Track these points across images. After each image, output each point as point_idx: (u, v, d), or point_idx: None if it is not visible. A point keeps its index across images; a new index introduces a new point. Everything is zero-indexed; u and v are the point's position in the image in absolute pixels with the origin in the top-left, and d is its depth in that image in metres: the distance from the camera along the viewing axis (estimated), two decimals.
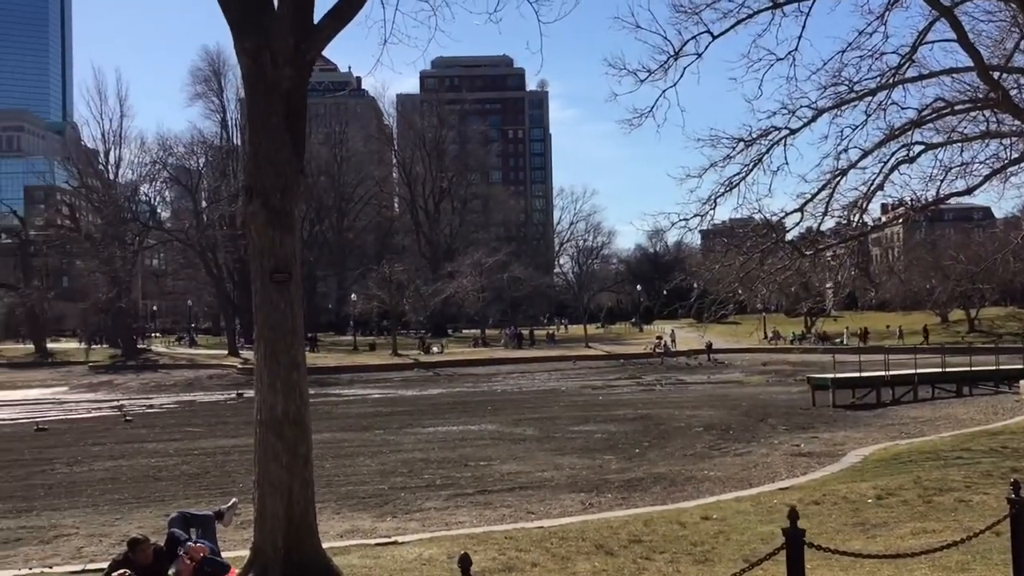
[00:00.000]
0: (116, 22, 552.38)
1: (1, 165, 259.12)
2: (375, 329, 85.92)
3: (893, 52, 15.53)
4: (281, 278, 7.84)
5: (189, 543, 7.81)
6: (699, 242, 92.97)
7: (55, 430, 29.65)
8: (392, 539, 10.70)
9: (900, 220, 29.08)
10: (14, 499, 16.97)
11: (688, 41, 12.87)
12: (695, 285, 22.72)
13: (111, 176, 78.41)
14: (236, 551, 9.54)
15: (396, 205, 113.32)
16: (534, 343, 73.30)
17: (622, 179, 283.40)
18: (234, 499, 9.70)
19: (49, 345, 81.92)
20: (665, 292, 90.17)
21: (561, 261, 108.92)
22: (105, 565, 8.25)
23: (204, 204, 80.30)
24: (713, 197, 14.38)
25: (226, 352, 68.89)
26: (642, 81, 12.83)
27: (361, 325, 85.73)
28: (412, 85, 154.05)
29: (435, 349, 66.67)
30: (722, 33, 12.97)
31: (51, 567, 10.65)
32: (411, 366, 57.98)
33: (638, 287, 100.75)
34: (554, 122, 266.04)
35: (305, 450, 7.85)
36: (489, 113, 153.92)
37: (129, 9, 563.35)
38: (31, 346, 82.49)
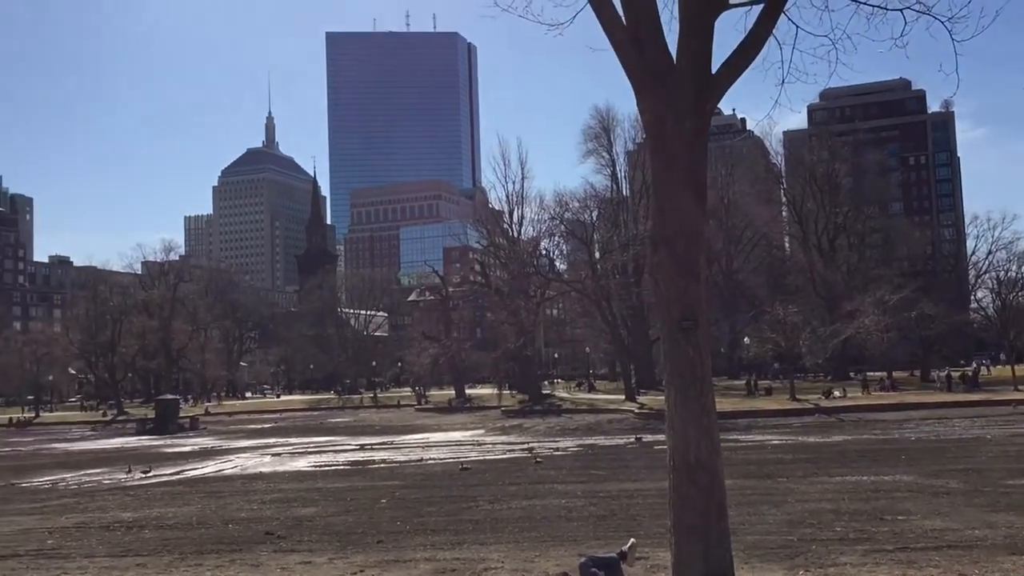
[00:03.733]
0: (516, 94, 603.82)
1: (424, 230, 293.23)
2: (770, 373, 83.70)
3: None
4: (688, 325, 7.95)
5: None
6: None
7: (476, 469, 32.14)
8: None
9: None
10: (447, 532, 18.65)
11: None
12: None
13: (515, 234, 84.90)
14: None
15: (787, 244, 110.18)
16: (978, 384, 66.66)
17: None
18: (632, 540, 9.89)
19: (467, 391, 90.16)
20: None
21: (979, 295, 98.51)
22: None
23: (598, 255, 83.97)
24: None
25: (623, 397, 70.88)
26: None
27: (755, 369, 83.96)
28: (799, 120, 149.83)
29: (836, 393, 63.28)
30: None
31: None
32: (811, 411, 55.48)
33: None
34: (962, 144, 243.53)
35: (719, 497, 7.82)
36: (886, 141, 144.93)
37: (527, 81, 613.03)
38: (453, 392, 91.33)
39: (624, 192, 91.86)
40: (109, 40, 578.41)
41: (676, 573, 7.74)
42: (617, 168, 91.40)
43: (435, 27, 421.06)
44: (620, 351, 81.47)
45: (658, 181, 8.32)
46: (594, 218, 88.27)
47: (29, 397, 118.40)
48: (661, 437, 39.88)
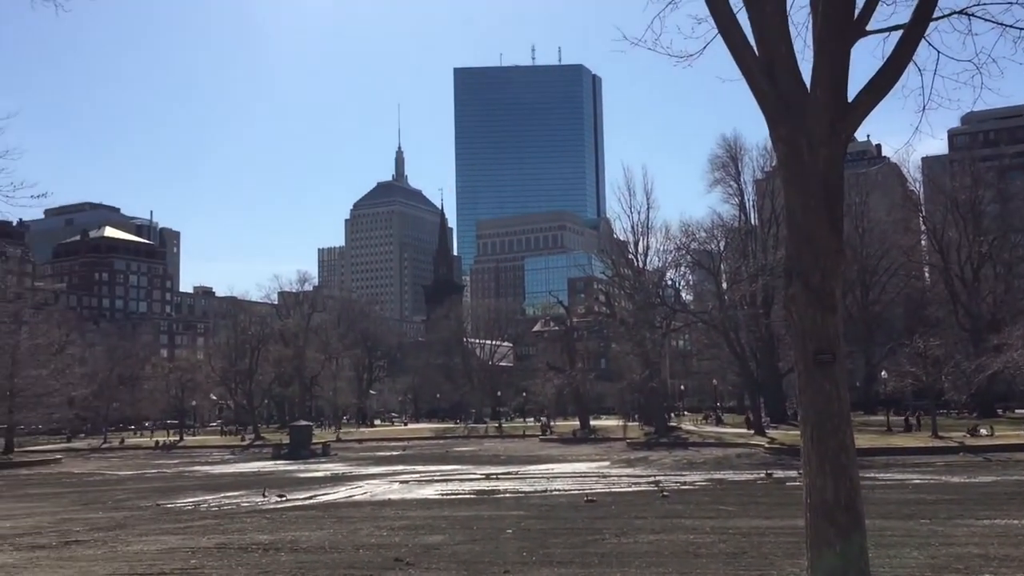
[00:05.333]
0: (641, 125, 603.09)
1: (548, 260, 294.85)
2: (910, 409, 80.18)
3: None
4: (825, 359, 7.73)
5: None
6: None
7: (602, 502, 31.88)
8: None
9: None
10: (573, 565, 18.52)
11: None
12: None
13: (640, 264, 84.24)
14: None
15: (927, 274, 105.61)
16: None
17: None
18: None
19: (592, 422, 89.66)
20: None
21: None
22: None
23: (725, 285, 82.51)
24: None
25: (752, 431, 69.14)
26: None
27: (893, 404, 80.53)
28: (938, 146, 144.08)
29: (983, 431, 60.00)
30: None
31: None
32: (955, 449, 52.71)
33: None
34: None
35: (859, 537, 7.54)
36: None
37: (652, 111, 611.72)
38: (577, 422, 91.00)
39: (752, 221, 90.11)
40: (245, 81, 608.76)
41: None
42: (745, 197, 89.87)
43: (560, 60, 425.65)
44: (749, 384, 79.53)
45: (792, 211, 8.14)
46: (721, 248, 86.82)
47: (170, 421, 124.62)
48: (793, 473, 38.84)
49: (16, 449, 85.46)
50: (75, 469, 68.14)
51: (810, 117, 7.86)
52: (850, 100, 8.01)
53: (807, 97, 7.95)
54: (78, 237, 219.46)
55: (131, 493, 43.23)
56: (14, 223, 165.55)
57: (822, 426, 7.66)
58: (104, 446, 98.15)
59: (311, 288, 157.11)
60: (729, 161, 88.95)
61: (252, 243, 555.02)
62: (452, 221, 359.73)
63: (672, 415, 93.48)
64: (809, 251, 7.86)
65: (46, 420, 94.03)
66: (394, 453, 75.02)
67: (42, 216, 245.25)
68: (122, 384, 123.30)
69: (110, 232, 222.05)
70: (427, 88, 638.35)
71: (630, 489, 37.63)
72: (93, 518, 31.53)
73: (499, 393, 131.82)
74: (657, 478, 41.98)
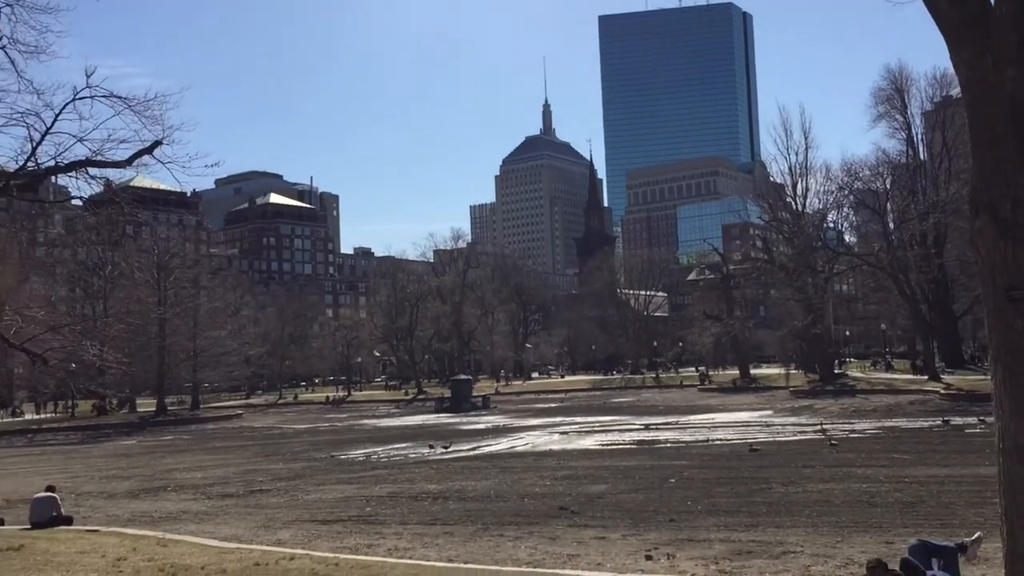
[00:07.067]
0: (795, 63, 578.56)
1: (702, 207, 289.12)
2: None
3: None
4: (1017, 295, 7.18)
5: (930, 573, 7.57)
6: None
7: (766, 451, 31.34)
8: None
9: None
10: (740, 514, 18.32)
11: None
12: None
13: (799, 207, 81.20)
14: None
15: None
16: None
17: None
18: (979, 533, 9.16)
19: (752, 371, 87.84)
20: None
21: None
22: None
23: (892, 225, 78.54)
24: None
25: (925, 377, 65.99)
26: None
27: None
28: None
29: None
30: None
31: None
32: None
33: None
34: None
35: None
36: None
37: (807, 49, 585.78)
38: (736, 371, 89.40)
39: (921, 156, 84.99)
40: (392, 45, 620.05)
41: (1009, 565, 7.05)
42: (913, 131, 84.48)
43: None
44: (920, 328, 75.64)
45: (976, 139, 7.53)
46: (888, 186, 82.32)
47: (332, 377, 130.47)
48: (973, 420, 36.89)
49: (201, 406, 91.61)
50: (255, 423, 72.46)
51: (995, 34, 7.21)
52: None
53: (991, 12, 7.31)
54: (246, 205, 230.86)
55: (307, 445, 45.63)
56: (188, 193, 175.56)
57: (1015, 367, 7.14)
58: (279, 402, 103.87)
59: (465, 245, 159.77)
60: (894, 93, 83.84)
61: (406, 203, 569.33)
62: (601, 172, 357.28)
63: (837, 362, 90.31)
64: (998, 180, 7.27)
65: (226, 378, 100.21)
66: (552, 405, 75.98)
67: (212, 186, 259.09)
68: (293, 343, 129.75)
69: (275, 199, 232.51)
70: (572, 39, 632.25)
71: (795, 438, 36.79)
72: (274, 469, 33.51)
73: (655, 343, 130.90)
74: (823, 426, 40.83)
